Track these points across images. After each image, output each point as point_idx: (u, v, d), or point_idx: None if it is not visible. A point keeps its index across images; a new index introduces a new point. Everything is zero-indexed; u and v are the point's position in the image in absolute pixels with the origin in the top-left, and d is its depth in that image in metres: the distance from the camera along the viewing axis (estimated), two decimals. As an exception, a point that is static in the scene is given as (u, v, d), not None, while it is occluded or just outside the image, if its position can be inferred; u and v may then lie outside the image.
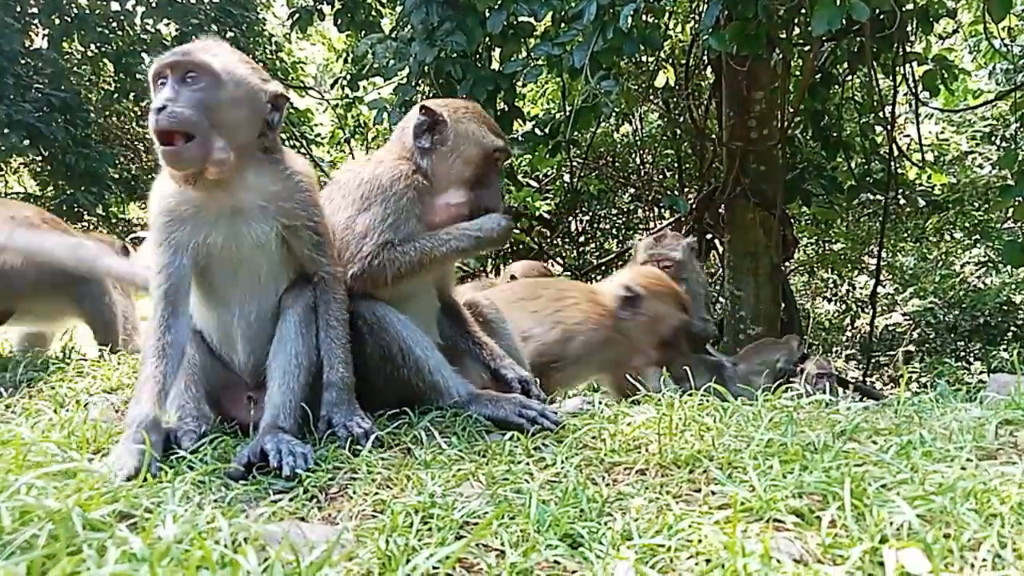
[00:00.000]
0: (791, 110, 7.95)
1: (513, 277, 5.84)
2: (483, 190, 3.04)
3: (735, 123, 7.97)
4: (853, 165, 8.94)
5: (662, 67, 9.43)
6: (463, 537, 1.67)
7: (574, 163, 11.29)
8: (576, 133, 7.52)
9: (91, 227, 11.22)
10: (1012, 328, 12.75)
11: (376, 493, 2.04)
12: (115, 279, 4.29)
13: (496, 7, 6.13)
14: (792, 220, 9.65)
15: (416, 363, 2.80)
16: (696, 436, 2.34)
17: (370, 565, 1.57)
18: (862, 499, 1.71)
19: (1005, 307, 12.90)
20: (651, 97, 10.28)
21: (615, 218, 14.15)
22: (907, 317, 14.61)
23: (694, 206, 9.05)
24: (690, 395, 2.72)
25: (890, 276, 14.63)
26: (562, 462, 2.18)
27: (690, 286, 5.25)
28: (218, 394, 2.75)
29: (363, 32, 8.98)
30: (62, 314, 4.53)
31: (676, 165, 12.17)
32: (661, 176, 13.37)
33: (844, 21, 5.44)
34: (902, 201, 9.85)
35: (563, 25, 6.35)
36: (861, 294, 15.01)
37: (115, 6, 11.88)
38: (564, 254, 13.58)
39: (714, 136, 9.18)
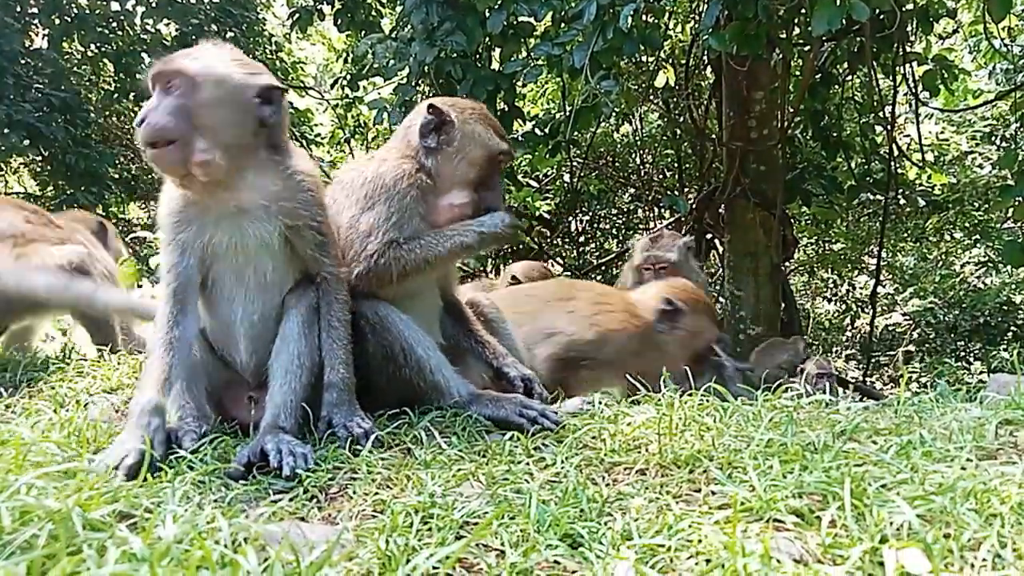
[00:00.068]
0: (791, 110, 7.95)
1: (514, 277, 5.83)
2: (486, 191, 3.05)
3: (735, 123, 7.98)
4: (853, 165, 8.94)
5: (662, 67, 9.44)
6: (463, 537, 1.67)
7: (574, 163, 11.30)
8: (576, 133, 7.52)
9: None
10: (1012, 328, 12.75)
11: (376, 493, 2.04)
12: (114, 312, 4.15)
13: (496, 7, 6.14)
14: (792, 220, 9.66)
15: (418, 363, 2.81)
16: (696, 436, 2.34)
17: (370, 565, 1.57)
18: (862, 499, 1.71)
19: (1005, 307, 12.91)
20: (651, 97, 10.28)
21: (615, 218, 14.15)
22: (907, 317, 14.61)
23: (694, 206, 9.06)
24: (690, 395, 2.72)
25: (890, 276, 14.63)
26: (562, 462, 2.18)
27: None
28: (219, 393, 2.76)
29: (363, 32, 8.98)
30: (55, 317, 4.47)
31: (676, 165, 12.18)
32: (661, 176, 13.37)
33: (844, 21, 5.44)
34: (902, 201, 9.86)
35: (563, 25, 6.35)
36: (861, 294, 15.02)
37: (115, 6, 11.89)
38: (564, 254, 13.58)
39: (714, 136, 9.18)
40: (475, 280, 7.50)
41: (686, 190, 11.60)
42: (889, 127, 8.52)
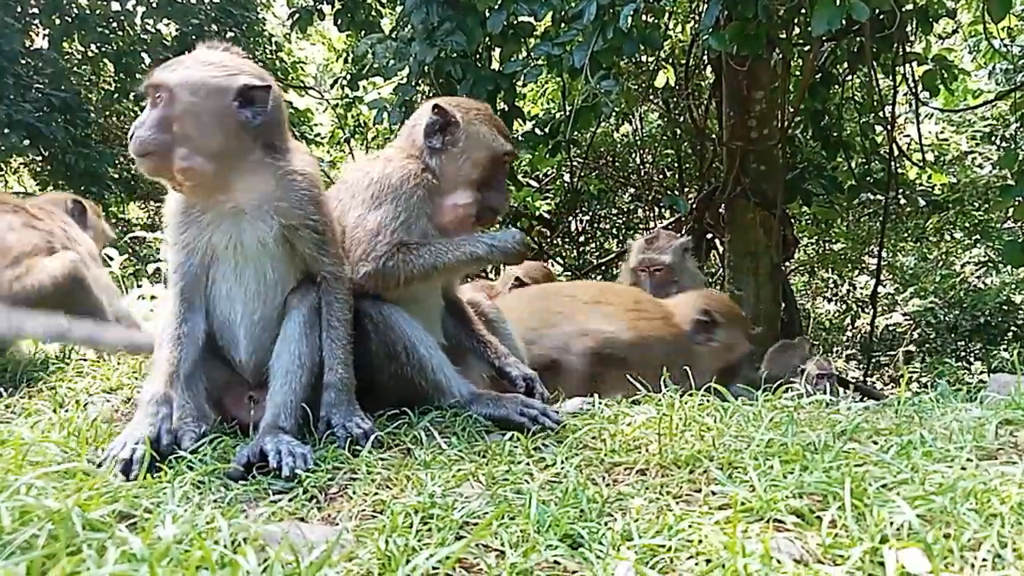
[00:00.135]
0: (791, 110, 7.95)
1: (518, 279, 5.82)
2: (490, 192, 3.05)
3: (735, 123, 7.98)
4: (853, 165, 8.94)
5: (662, 67, 9.43)
6: (463, 537, 1.67)
7: (574, 163, 11.29)
8: (576, 133, 7.52)
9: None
10: (1012, 328, 12.76)
11: (376, 493, 2.04)
12: (113, 351, 3.98)
13: (496, 7, 6.14)
14: (792, 220, 9.65)
15: (420, 362, 2.81)
16: (696, 436, 2.34)
17: (370, 565, 1.57)
18: (862, 499, 1.71)
19: (1005, 307, 12.92)
20: (651, 97, 10.29)
21: (615, 218, 14.15)
22: (907, 317, 14.62)
23: (694, 206, 9.05)
24: (690, 395, 2.71)
25: (890, 276, 14.63)
26: (562, 462, 2.18)
27: (684, 287, 5.21)
28: (219, 393, 2.76)
29: (363, 32, 8.98)
30: None
31: (676, 165, 12.18)
32: (661, 176, 13.38)
33: (844, 21, 5.44)
34: (902, 201, 9.86)
35: (563, 25, 6.35)
36: (861, 294, 15.02)
37: (115, 6, 11.89)
38: (564, 254, 13.58)
39: (714, 136, 9.18)
40: (475, 280, 7.48)
41: (686, 190, 11.60)
42: (889, 127, 8.52)
